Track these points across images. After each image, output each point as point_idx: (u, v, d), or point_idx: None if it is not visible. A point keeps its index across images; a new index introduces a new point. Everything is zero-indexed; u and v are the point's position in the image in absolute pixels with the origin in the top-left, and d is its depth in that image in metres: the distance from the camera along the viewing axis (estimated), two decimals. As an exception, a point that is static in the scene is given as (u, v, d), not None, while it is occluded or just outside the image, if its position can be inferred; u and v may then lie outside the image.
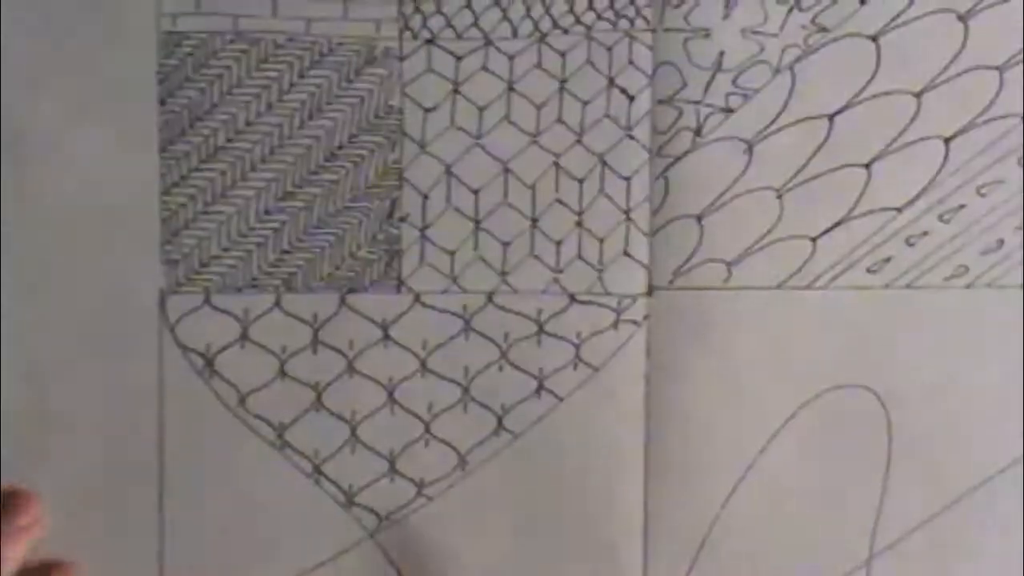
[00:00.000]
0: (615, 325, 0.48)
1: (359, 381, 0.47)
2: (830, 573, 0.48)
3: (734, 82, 0.47)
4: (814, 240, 0.48)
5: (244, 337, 0.47)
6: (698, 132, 0.47)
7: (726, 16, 0.47)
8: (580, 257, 0.47)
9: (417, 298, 0.47)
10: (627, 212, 0.47)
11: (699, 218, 0.47)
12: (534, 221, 0.47)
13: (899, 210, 0.48)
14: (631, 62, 0.46)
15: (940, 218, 0.48)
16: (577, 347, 0.48)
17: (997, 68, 0.47)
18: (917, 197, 0.48)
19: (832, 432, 0.48)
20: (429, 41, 0.46)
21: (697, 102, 0.47)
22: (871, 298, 0.48)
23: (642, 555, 0.48)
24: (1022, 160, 0.48)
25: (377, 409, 0.47)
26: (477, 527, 0.47)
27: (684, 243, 0.47)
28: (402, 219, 0.47)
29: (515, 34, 0.46)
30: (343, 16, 0.46)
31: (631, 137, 0.47)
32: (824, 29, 0.47)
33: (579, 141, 0.47)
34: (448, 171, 0.47)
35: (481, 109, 0.47)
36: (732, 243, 0.48)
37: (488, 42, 0.46)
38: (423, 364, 0.47)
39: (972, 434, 0.48)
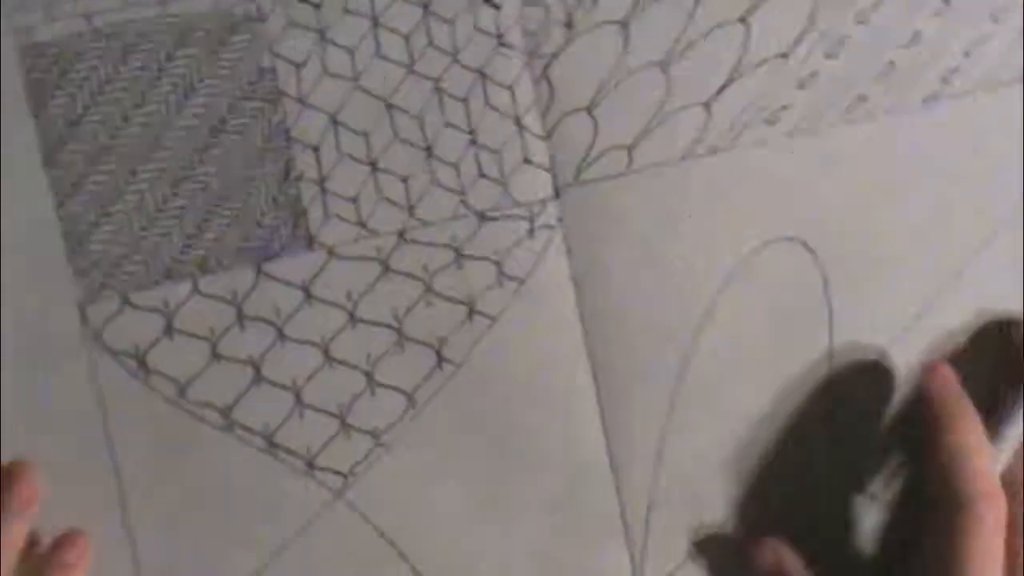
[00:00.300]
0: (531, 233, 0.47)
1: (293, 347, 0.47)
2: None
3: (592, -33, 0.47)
4: (707, 105, 0.47)
5: (170, 329, 0.47)
6: (569, 25, 0.47)
7: (569, -96, 0.46)
8: (482, 175, 0.47)
9: (331, 252, 0.47)
10: (517, 120, 0.47)
11: (589, 110, 0.47)
12: (428, 150, 0.47)
13: (784, 56, 0.47)
14: (486, -30, 0.46)
15: (827, 55, 0.47)
16: (498, 264, 0.47)
17: None
18: (799, 39, 0.47)
19: (768, 291, 0.47)
20: (282, -6, 0.46)
21: (561, -5, 0.47)
22: (776, 149, 0.47)
23: (608, 459, 0.47)
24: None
25: (317, 370, 0.47)
26: (441, 462, 0.47)
27: (580, 138, 0.47)
28: (298, 178, 0.47)
29: (366, -32, 0.46)
30: (192, -11, 0.46)
31: (505, 45, 0.47)
32: None
33: (455, 60, 0.47)
34: (333, 120, 0.47)
35: (351, 51, 0.46)
36: (627, 127, 0.47)
37: (341, -18, 0.46)
38: (351, 315, 0.47)
39: (901, 269, 0.48)
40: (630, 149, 0.47)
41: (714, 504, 0.48)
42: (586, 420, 0.47)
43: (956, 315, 0.48)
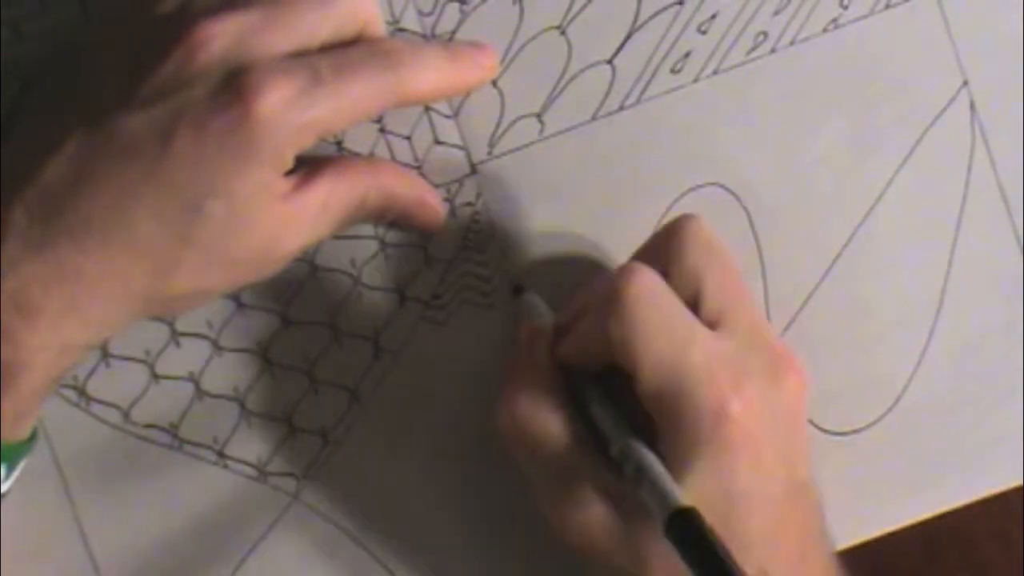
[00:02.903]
0: (453, 213, 0.47)
1: (230, 356, 0.47)
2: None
3: (478, -60, 0.46)
4: (611, 62, 0.47)
5: (106, 355, 0.46)
6: (463, 1, 0.47)
7: None
8: (395, 161, 0.47)
9: (256, 257, 0.46)
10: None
11: (494, 82, 0.47)
12: (339, 144, 0.47)
13: (680, 3, 0.47)
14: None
15: (722, -4, 0.47)
16: (424, 248, 0.47)
17: None
18: (694, -17, 0.47)
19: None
20: None
21: (450, -29, 0.46)
22: (686, 96, 0.47)
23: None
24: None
25: (257, 376, 0.47)
26: (392, 452, 0.47)
27: (488, 111, 0.47)
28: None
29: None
30: None
31: (401, 29, 0.47)
32: None
33: (354, 52, 0.46)
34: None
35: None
36: (534, 94, 0.47)
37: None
38: (284, 317, 0.47)
39: (822, 204, 0.47)
40: (540, 116, 0.47)
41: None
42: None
43: (885, 236, 0.48)
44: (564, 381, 0.43)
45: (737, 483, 0.40)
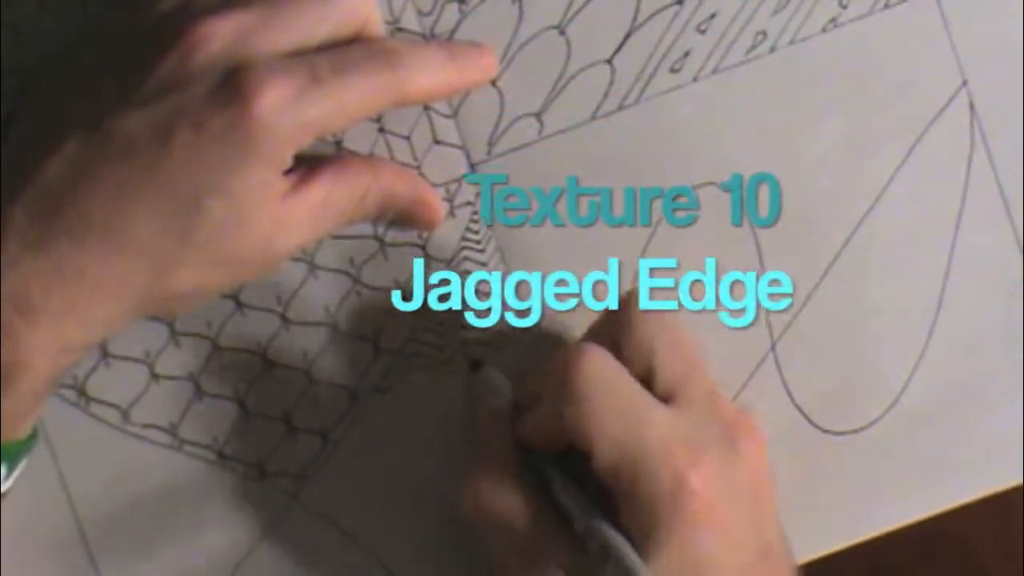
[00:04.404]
0: (451, 213, 0.47)
1: (230, 356, 0.47)
2: (742, 364, 0.48)
3: (477, -61, 0.46)
4: (610, 62, 0.47)
5: (106, 355, 0.46)
6: (462, 0, 0.47)
7: None
8: (394, 160, 0.47)
9: (255, 257, 0.46)
10: (423, 102, 0.47)
11: (493, 82, 0.47)
12: (338, 144, 0.47)
13: (679, 2, 0.47)
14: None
15: (721, -4, 0.47)
16: (423, 247, 0.47)
17: None
18: (693, -17, 0.47)
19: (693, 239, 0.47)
20: None
21: (450, -29, 0.46)
22: (685, 96, 0.47)
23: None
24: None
25: (257, 376, 0.47)
26: (390, 451, 0.47)
27: (487, 111, 0.47)
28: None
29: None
30: None
31: (401, 29, 0.47)
32: None
33: (353, 52, 0.46)
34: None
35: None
36: (533, 94, 0.47)
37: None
38: (284, 318, 0.47)
39: (822, 204, 0.47)
40: (539, 116, 0.47)
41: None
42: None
43: (885, 236, 0.48)
44: (525, 460, 0.43)
45: (703, 555, 0.40)
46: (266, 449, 0.47)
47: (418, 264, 0.47)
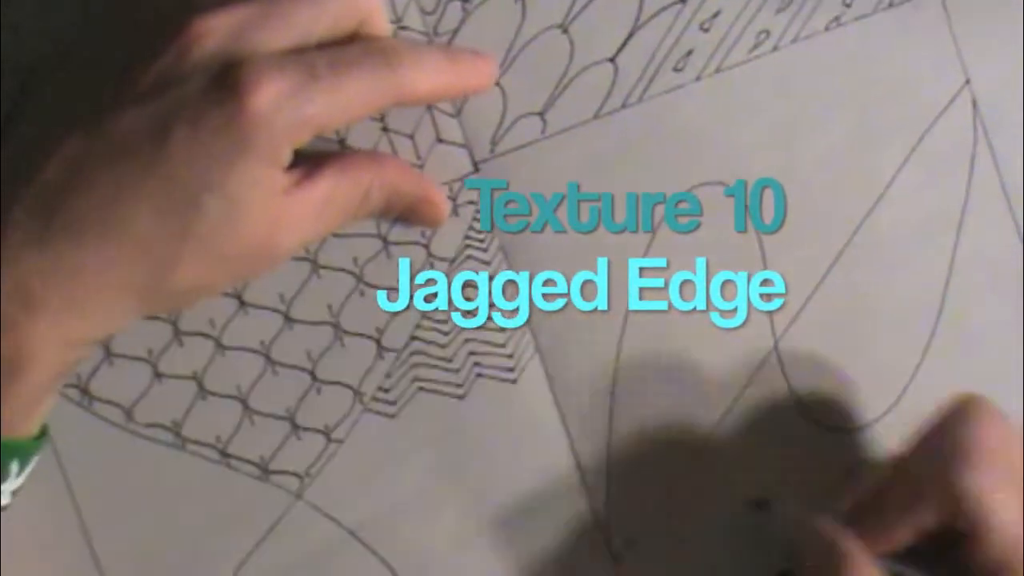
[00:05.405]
0: (455, 211, 0.47)
1: (233, 356, 0.47)
2: (748, 358, 0.48)
3: (480, -62, 0.46)
4: (613, 60, 0.47)
5: (108, 354, 0.46)
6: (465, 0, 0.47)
7: None
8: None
9: (258, 256, 0.46)
10: (426, 101, 0.47)
11: (496, 81, 0.47)
12: (342, 142, 0.47)
13: (683, 1, 0.47)
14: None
15: (724, -6, 0.47)
16: (427, 246, 0.47)
17: None
18: (695, -18, 0.47)
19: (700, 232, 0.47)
20: None
21: (452, -30, 0.46)
22: (688, 95, 0.47)
23: (558, 415, 0.47)
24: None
25: (260, 375, 0.47)
26: (394, 450, 0.47)
27: (491, 109, 0.47)
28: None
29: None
30: None
31: (404, 28, 0.47)
32: None
33: (356, 50, 0.46)
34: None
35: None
36: (536, 93, 0.47)
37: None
38: (287, 317, 0.47)
39: (825, 202, 0.47)
40: (542, 115, 0.47)
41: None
42: (537, 388, 0.47)
43: (888, 234, 0.48)
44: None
45: None
46: (270, 448, 0.47)
47: (404, 264, 0.46)
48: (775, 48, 0.47)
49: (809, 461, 0.49)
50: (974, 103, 0.48)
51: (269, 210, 0.40)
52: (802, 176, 0.47)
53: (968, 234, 0.49)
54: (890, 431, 0.48)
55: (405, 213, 0.45)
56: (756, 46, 0.47)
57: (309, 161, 0.42)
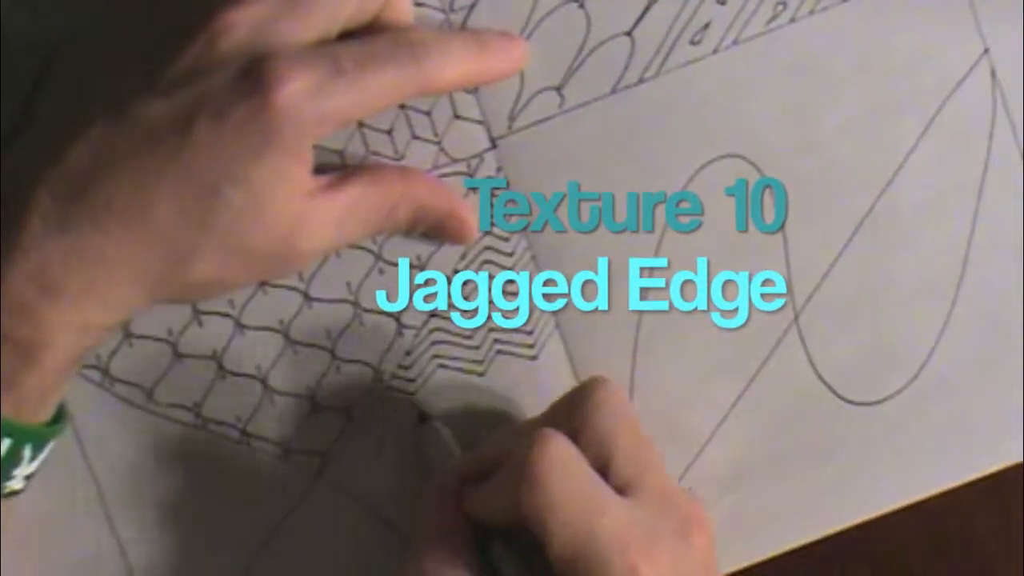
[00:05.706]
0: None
1: (253, 335, 0.47)
2: (762, 341, 0.48)
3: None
4: (630, 34, 0.47)
5: (128, 335, 0.46)
6: (481, -25, 0.47)
7: None
8: (415, 137, 0.47)
9: (277, 235, 0.46)
10: (442, 77, 0.46)
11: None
12: (360, 124, 0.47)
13: (699, -27, 0.47)
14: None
15: (741, -34, 0.47)
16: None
17: None
18: (711, -46, 0.47)
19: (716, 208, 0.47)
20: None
21: (465, -56, 0.46)
22: (705, 68, 0.47)
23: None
24: None
25: (280, 354, 0.47)
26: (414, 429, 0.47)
27: (508, 85, 0.47)
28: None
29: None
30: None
31: (420, 3, 0.46)
32: None
33: (372, 27, 0.46)
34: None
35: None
36: (553, 67, 0.47)
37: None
38: (306, 296, 0.47)
39: (843, 174, 0.47)
40: (559, 89, 0.47)
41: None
42: (558, 366, 0.47)
43: (907, 206, 0.48)
44: (472, 532, 0.43)
45: None
46: (290, 427, 0.47)
47: (403, 263, 0.46)
48: (792, 19, 0.47)
49: (830, 435, 0.48)
50: (993, 73, 0.48)
51: (290, 208, 0.41)
52: (820, 148, 0.47)
53: (987, 206, 0.48)
54: (911, 404, 0.48)
55: (433, 229, 0.45)
56: (774, 17, 0.47)
57: (341, 170, 0.43)
